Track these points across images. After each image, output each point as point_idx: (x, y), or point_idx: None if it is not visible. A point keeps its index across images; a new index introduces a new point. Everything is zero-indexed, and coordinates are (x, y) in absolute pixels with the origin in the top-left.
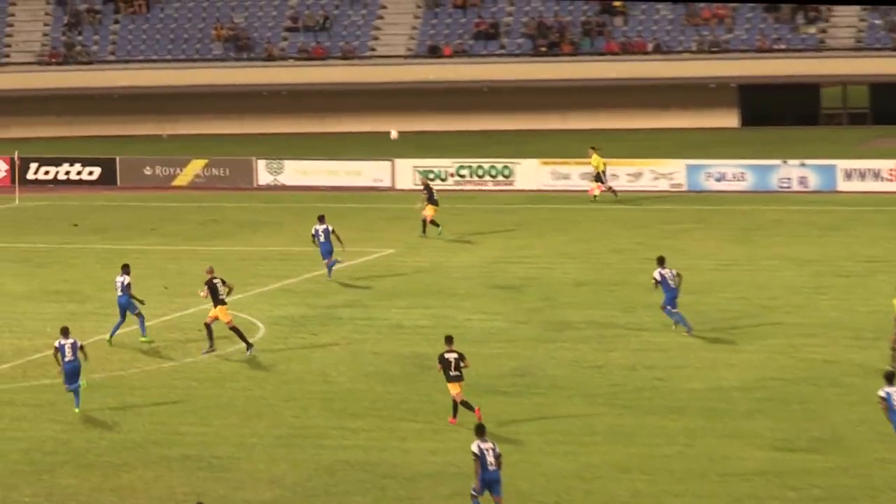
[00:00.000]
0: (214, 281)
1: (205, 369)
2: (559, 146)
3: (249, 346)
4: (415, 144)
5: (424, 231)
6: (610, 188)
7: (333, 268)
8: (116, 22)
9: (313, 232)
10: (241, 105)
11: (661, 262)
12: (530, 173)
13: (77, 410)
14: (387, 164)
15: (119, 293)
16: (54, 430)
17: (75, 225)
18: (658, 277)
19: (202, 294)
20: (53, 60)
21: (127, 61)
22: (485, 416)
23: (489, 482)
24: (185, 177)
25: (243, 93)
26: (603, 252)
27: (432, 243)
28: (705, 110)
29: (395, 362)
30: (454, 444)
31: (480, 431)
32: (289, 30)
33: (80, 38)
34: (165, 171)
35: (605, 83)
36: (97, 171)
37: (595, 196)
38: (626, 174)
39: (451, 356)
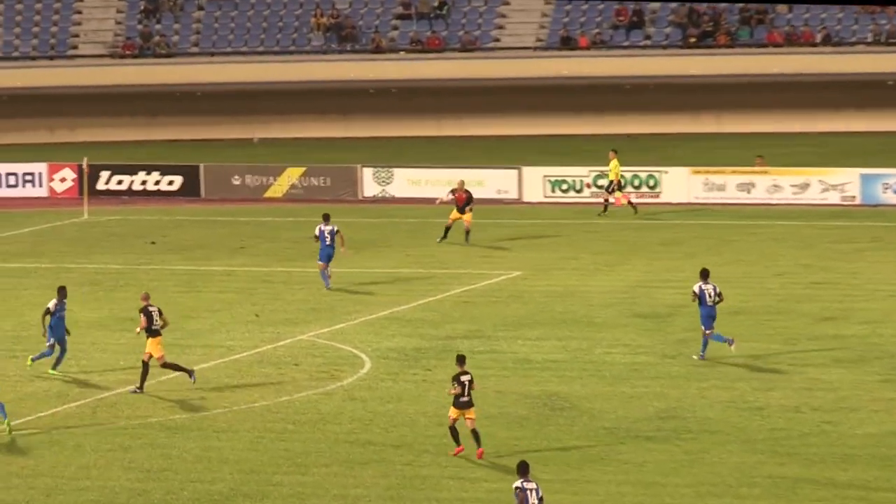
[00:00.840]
0: (150, 309)
1: (303, 409)
2: (712, 152)
3: (191, 373)
4: (545, 150)
5: (450, 235)
6: (607, 201)
7: (330, 279)
8: (200, 8)
9: (317, 233)
10: (343, 104)
11: (704, 275)
12: (679, 183)
13: None
14: (513, 172)
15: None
16: (128, 478)
17: (153, 243)
18: (697, 291)
19: (139, 327)
20: (128, 53)
21: (212, 54)
22: (627, 463)
23: None
24: (279, 187)
25: (347, 90)
26: (763, 275)
27: (566, 264)
28: (883, 111)
29: (521, 403)
30: (591, 498)
31: (524, 470)
32: (400, 17)
33: (158, 26)
34: (256, 180)
35: (766, 79)
36: (178, 180)
37: (624, 205)
38: (791, 185)
39: (466, 378)
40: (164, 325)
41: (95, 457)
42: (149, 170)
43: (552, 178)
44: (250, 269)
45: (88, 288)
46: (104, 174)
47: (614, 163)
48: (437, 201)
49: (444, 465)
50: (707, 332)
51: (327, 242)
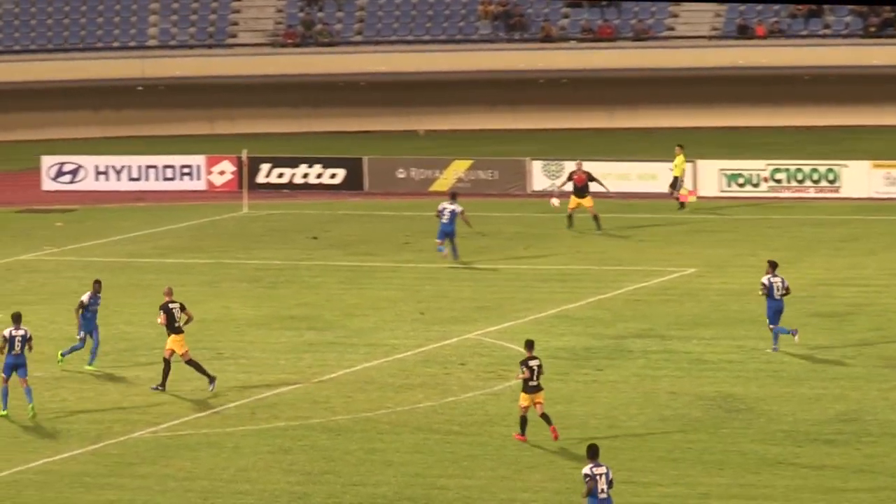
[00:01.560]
0: (171, 306)
1: (469, 410)
2: (894, 145)
3: (212, 379)
4: (721, 143)
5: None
6: (677, 197)
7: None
8: None
9: (439, 209)
10: (512, 95)
11: (772, 266)
12: (860, 178)
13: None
14: (687, 166)
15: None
16: (288, 481)
17: (314, 238)
18: (767, 284)
19: (159, 321)
20: (289, 42)
21: (377, 42)
22: (805, 467)
23: None
24: (445, 181)
25: (515, 80)
26: None
27: (742, 261)
28: None
29: (696, 405)
30: None
31: (593, 454)
32: (570, 5)
33: (320, 14)
34: (422, 173)
35: None
36: (341, 173)
37: (684, 204)
38: None
39: (535, 363)
40: (188, 320)
41: (254, 459)
42: (310, 162)
43: (728, 172)
44: (415, 266)
45: (247, 285)
46: (264, 167)
47: (680, 158)
48: (552, 202)
49: (617, 468)
50: (771, 326)
51: (445, 220)
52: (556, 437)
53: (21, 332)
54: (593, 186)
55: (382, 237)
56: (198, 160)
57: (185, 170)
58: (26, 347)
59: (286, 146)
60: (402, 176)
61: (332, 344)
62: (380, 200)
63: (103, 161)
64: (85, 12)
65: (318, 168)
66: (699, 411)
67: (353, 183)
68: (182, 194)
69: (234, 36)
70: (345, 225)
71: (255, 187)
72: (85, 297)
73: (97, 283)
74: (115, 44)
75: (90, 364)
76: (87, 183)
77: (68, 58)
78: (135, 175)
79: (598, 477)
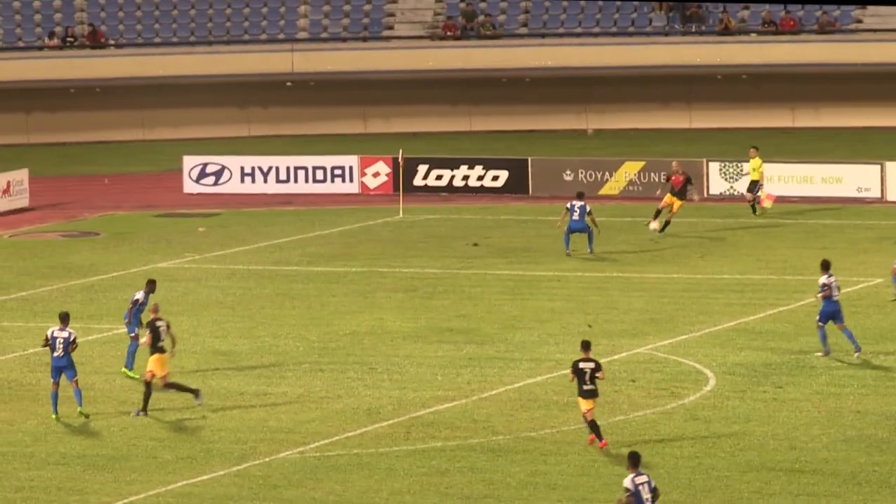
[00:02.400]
0: (158, 324)
1: (639, 430)
2: None
3: (197, 393)
4: None
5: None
6: (754, 201)
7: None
8: None
9: (568, 206)
10: (687, 91)
11: (825, 267)
12: None
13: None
14: (875, 168)
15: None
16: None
17: (475, 244)
18: (829, 283)
19: (143, 340)
20: (449, 34)
21: (543, 35)
22: None
23: None
24: (615, 183)
25: (691, 76)
26: None
27: None
28: None
29: (883, 424)
30: None
31: (634, 462)
32: None
33: (483, 5)
34: (591, 175)
35: None
36: (504, 175)
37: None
38: None
39: (587, 366)
40: (173, 342)
41: (409, 481)
42: (471, 164)
43: None
44: (582, 275)
45: (403, 295)
46: (421, 168)
47: (757, 161)
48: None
49: (797, 492)
50: (840, 325)
51: (575, 217)
52: (602, 446)
53: (64, 335)
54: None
55: (547, 244)
56: (350, 161)
57: (337, 171)
58: (69, 349)
59: (445, 146)
60: (569, 178)
61: (492, 359)
62: (545, 204)
63: (249, 162)
64: (230, 2)
65: (479, 169)
66: (886, 431)
67: (516, 186)
68: (333, 197)
69: (390, 28)
70: (507, 231)
71: (411, 190)
72: (140, 295)
73: (151, 282)
74: (263, 36)
75: (130, 368)
76: (232, 185)
77: (212, 51)
78: (283, 177)
79: (640, 486)
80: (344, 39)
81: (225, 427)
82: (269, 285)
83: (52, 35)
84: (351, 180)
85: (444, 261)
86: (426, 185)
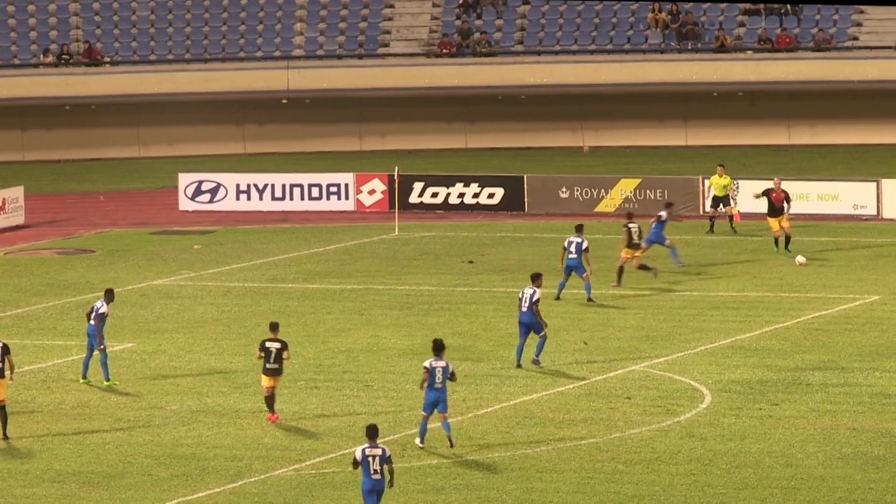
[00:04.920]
0: None
1: (635, 447)
2: None
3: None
4: None
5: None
6: (713, 217)
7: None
8: (526, 2)
9: (565, 244)
10: (683, 109)
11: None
12: None
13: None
14: (871, 185)
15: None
16: None
17: (470, 262)
18: None
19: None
20: (444, 52)
21: (539, 53)
22: None
23: None
24: (611, 200)
25: (687, 93)
26: None
27: None
28: None
29: (878, 442)
30: None
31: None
32: (747, 13)
33: (479, 22)
34: (587, 193)
35: None
36: (499, 192)
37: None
38: None
39: (273, 345)
40: (11, 368)
41: (405, 499)
42: (467, 181)
43: None
44: (579, 293)
45: (399, 312)
46: (417, 185)
47: (725, 178)
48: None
49: None
50: None
51: (571, 255)
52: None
53: (102, 309)
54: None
55: (544, 261)
56: (346, 178)
57: (333, 188)
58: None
59: (440, 163)
60: (564, 195)
61: (488, 376)
62: (541, 222)
63: (245, 179)
64: (226, 20)
65: (474, 187)
66: (882, 449)
67: (512, 203)
68: (329, 215)
69: (385, 45)
70: (503, 248)
71: (407, 207)
72: (104, 307)
73: (109, 291)
74: (259, 54)
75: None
76: (228, 202)
77: (208, 68)
78: (278, 194)
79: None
80: (340, 57)
81: (220, 444)
82: (265, 303)
83: (47, 52)
84: (347, 198)
85: (440, 278)
86: (422, 203)
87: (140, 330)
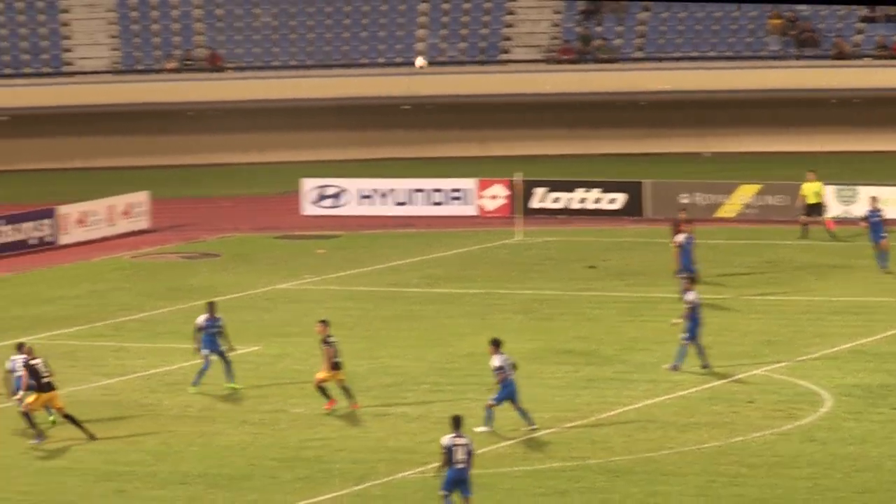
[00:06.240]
0: (34, 362)
1: (757, 451)
2: None
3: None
4: None
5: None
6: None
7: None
8: (646, 10)
9: (681, 239)
10: (802, 115)
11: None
12: None
13: None
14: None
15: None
16: None
17: (592, 267)
18: None
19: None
20: (565, 58)
21: (659, 59)
22: None
23: None
24: (731, 206)
25: (806, 99)
26: None
27: None
28: None
29: None
30: None
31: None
32: (865, 20)
33: (599, 29)
34: (707, 198)
35: None
36: (620, 198)
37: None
38: None
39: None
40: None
41: (529, 501)
42: (588, 186)
43: None
44: (701, 297)
45: (521, 317)
46: (539, 191)
47: (816, 184)
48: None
49: None
50: None
51: (689, 250)
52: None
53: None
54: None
55: (664, 266)
56: (468, 183)
57: (455, 194)
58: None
59: (562, 169)
60: (685, 201)
61: (610, 380)
62: (661, 227)
63: (367, 184)
64: (348, 26)
65: (596, 192)
66: None
67: (633, 208)
68: (451, 220)
69: (506, 52)
70: (625, 253)
71: (528, 212)
72: (200, 320)
73: (211, 304)
74: (381, 60)
75: (230, 382)
76: (351, 207)
77: (330, 74)
78: (401, 199)
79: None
80: (461, 63)
81: (345, 447)
82: (388, 306)
83: (170, 58)
84: (469, 203)
85: (562, 283)
86: (543, 208)
87: (265, 333)
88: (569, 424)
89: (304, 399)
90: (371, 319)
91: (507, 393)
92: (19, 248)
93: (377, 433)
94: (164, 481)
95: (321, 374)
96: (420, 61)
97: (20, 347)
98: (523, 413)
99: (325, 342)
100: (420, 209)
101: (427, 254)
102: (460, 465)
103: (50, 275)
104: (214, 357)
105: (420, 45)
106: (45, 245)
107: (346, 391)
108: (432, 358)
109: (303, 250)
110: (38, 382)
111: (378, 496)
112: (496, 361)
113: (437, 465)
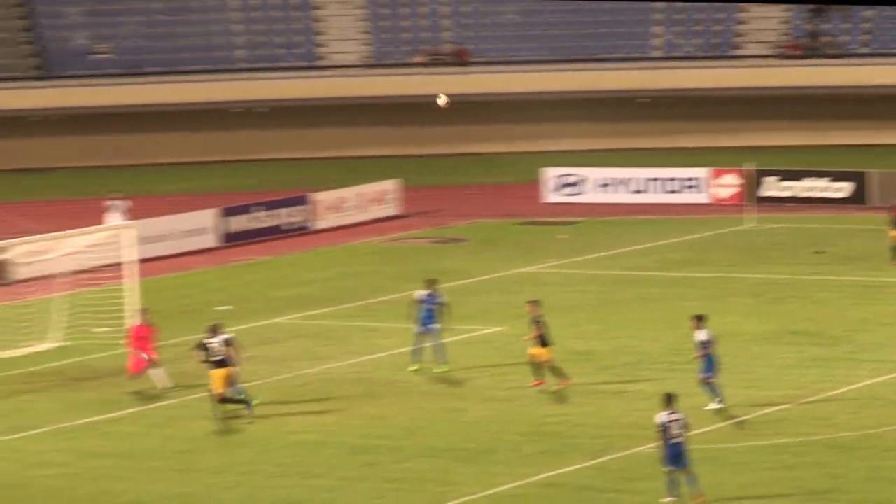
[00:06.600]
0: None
1: None
2: None
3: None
4: None
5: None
6: None
7: None
8: (872, 7)
9: None
10: None
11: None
12: None
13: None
14: None
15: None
16: (791, 500)
17: (819, 252)
18: None
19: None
20: (794, 53)
21: (883, 55)
22: None
23: None
24: None
25: None
26: None
27: None
28: None
29: None
30: None
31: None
32: None
33: (826, 26)
34: None
35: None
36: (846, 187)
37: None
38: None
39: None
40: (237, 357)
41: (758, 475)
42: (816, 176)
43: None
44: None
45: (752, 300)
46: (769, 180)
47: None
48: None
49: None
50: None
51: None
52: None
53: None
54: None
55: (887, 253)
56: (701, 173)
57: (689, 182)
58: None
59: (791, 159)
60: None
61: (837, 360)
62: (884, 215)
63: (606, 173)
64: (589, 23)
65: (823, 182)
66: None
67: (858, 197)
68: (685, 207)
69: (738, 47)
70: (850, 239)
71: (759, 201)
72: (419, 294)
73: (431, 281)
74: (619, 55)
75: (442, 363)
76: (590, 195)
77: (571, 69)
78: (637, 188)
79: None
80: (695, 58)
81: (585, 423)
82: (627, 289)
83: (419, 53)
84: (702, 191)
85: (791, 267)
86: (773, 196)
87: (509, 315)
88: (797, 402)
89: (544, 377)
90: (609, 302)
91: (711, 366)
92: (276, 232)
93: (615, 409)
94: (411, 455)
95: (534, 352)
96: (442, 99)
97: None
98: (718, 389)
99: (535, 321)
100: (655, 197)
101: (662, 239)
102: (677, 440)
103: (304, 258)
104: (427, 334)
105: (656, 41)
106: (301, 230)
107: (555, 370)
108: (668, 339)
109: (545, 236)
110: (211, 360)
111: (616, 469)
112: (701, 336)
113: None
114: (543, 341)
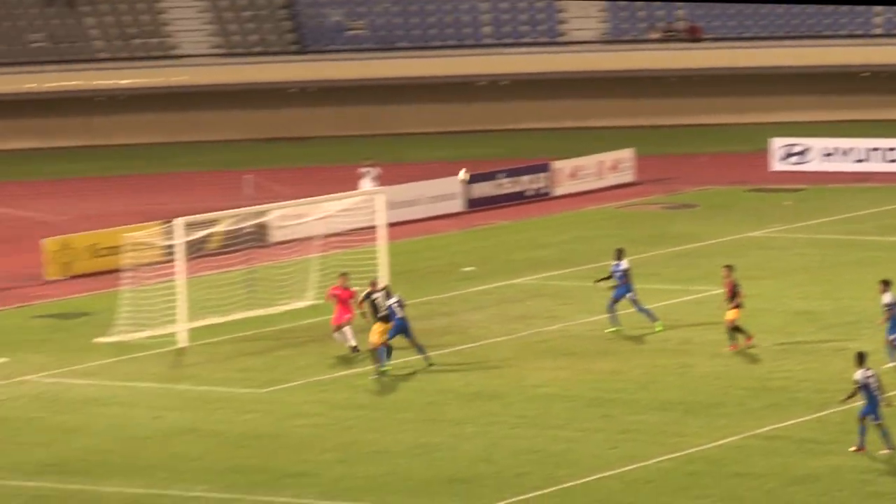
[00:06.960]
0: (374, 296)
1: None
2: None
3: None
4: None
5: None
6: None
7: None
8: None
9: None
10: None
11: (884, 285)
12: None
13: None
14: None
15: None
16: None
17: None
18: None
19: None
20: None
21: None
22: None
23: None
24: None
25: None
26: None
27: None
28: None
29: None
30: None
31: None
32: None
33: None
34: None
35: None
36: None
37: None
38: None
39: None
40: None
41: None
42: None
43: None
44: None
45: None
46: None
47: None
48: None
49: None
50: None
51: None
52: None
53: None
54: None
55: None
56: None
57: None
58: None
59: None
60: None
61: None
62: None
63: (829, 143)
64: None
65: None
66: None
67: None
68: None
69: None
70: None
71: None
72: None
73: (619, 251)
74: (842, 32)
75: (656, 322)
76: (814, 164)
77: (797, 45)
78: (859, 157)
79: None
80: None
81: (808, 378)
82: (847, 253)
83: (654, 29)
84: None
85: None
86: None
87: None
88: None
89: (770, 335)
90: (832, 265)
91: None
92: (517, 198)
93: (836, 366)
94: (645, 407)
95: (731, 315)
96: (462, 174)
97: (373, 284)
98: None
99: (731, 286)
100: (877, 166)
101: (882, 206)
102: (875, 394)
103: (544, 223)
104: (619, 300)
105: (877, 20)
106: (541, 196)
107: (737, 329)
108: (888, 299)
109: (771, 202)
110: (377, 315)
111: (836, 422)
112: (887, 298)
113: (845, 397)
114: (737, 305)
